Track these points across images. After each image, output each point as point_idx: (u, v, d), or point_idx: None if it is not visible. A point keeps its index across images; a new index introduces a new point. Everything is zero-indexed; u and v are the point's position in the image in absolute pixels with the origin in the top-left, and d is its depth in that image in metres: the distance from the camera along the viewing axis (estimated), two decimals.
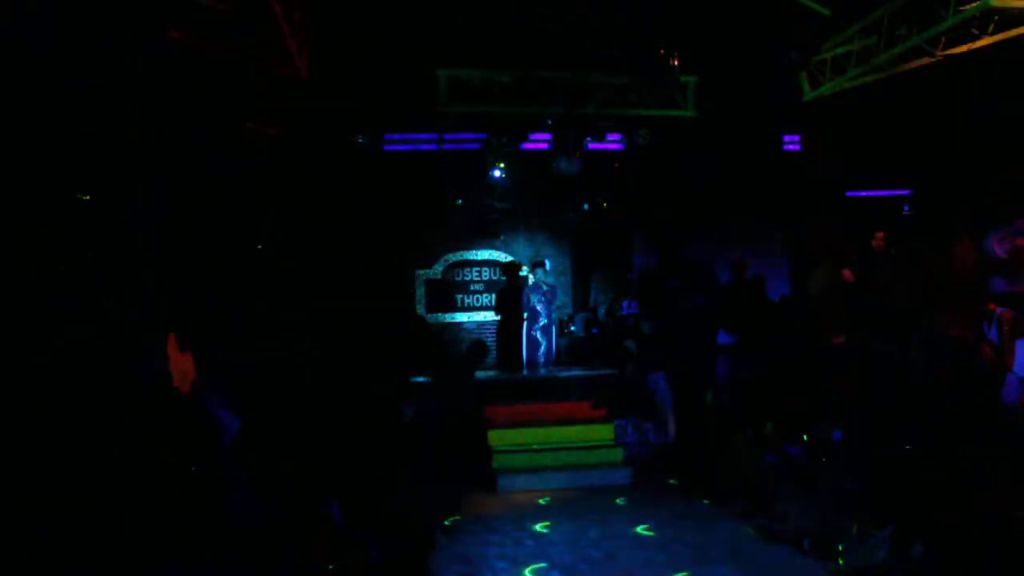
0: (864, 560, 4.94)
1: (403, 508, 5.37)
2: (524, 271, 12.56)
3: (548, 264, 12.10)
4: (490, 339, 12.69)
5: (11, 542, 3.30)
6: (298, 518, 4.06)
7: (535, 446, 8.79)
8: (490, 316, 12.52)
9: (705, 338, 9.63)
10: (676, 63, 8.90)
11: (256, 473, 4.48)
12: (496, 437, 8.78)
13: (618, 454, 8.87)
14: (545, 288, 11.45)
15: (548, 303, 11.35)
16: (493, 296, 12.79)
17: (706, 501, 7.37)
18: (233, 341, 6.81)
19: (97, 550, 3.47)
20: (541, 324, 11.28)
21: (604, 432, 9.10)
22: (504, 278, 12.83)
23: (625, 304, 11.48)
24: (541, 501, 7.70)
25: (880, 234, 8.05)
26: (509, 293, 12.17)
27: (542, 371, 10.86)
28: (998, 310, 5.95)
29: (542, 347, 11.26)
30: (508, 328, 11.96)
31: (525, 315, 11.36)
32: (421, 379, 9.97)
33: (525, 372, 10.99)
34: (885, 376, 6.24)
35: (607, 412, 9.40)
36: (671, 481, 8.27)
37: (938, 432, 5.16)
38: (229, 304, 7.26)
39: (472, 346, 9.59)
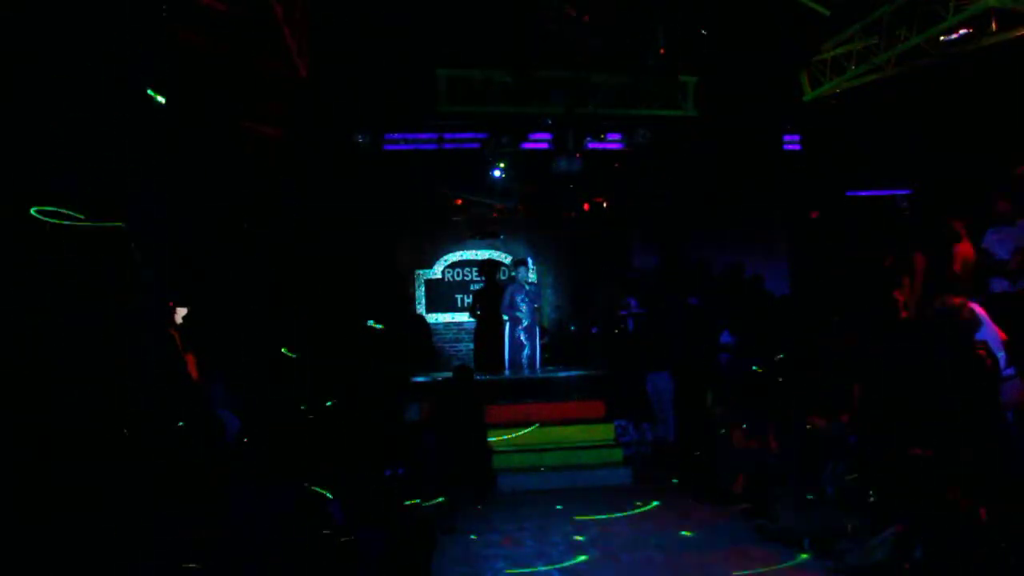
0: (864, 560, 4.94)
1: (403, 508, 5.37)
2: (506, 270, 12.42)
3: (530, 261, 11.76)
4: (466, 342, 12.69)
5: (11, 541, 3.30)
6: (298, 518, 4.06)
7: (535, 446, 8.79)
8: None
9: (705, 338, 9.63)
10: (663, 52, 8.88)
11: (256, 473, 4.48)
12: (496, 437, 8.77)
13: (618, 454, 8.87)
14: (528, 288, 10.89)
15: (531, 303, 10.83)
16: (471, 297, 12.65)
17: (706, 501, 7.37)
18: (234, 341, 6.81)
19: (97, 549, 3.47)
20: (524, 325, 10.74)
21: (604, 432, 9.10)
22: (483, 277, 12.75)
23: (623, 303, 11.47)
24: (541, 501, 7.70)
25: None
26: (489, 293, 11.92)
27: (526, 372, 10.67)
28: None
29: (526, 349, 10.72)
30: (489, 330, 11.62)
31: (505, 317, 10.85)
32: (421, 379, 9.98)
33: (507, 374, 10.70)
34: (888, 375, 6.23)
35: (607, 412, 9.40)
36: (671, 481, 8.27)
37: (940, 431, 5.16)
38: (229, 304, 7.26)
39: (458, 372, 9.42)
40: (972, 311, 5.49)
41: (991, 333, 5.71)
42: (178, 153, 6.10)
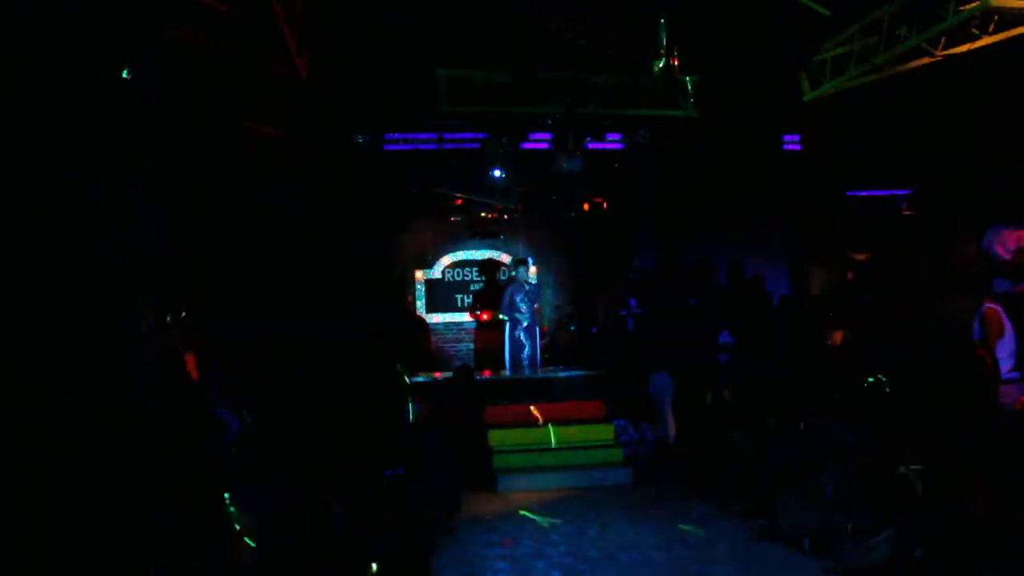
0: (864, 560, 4.94)
1: (403, 508, 5.37)
2: (505, 270, 12.43)
3: (531, 261, 11.79)
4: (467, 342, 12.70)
5: (11, 540, 3.30)
6: (299, 518, 4.06)
7: (535, 446, 8.79)
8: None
9: (705, 338, 9.63)
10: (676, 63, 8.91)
11: (257, 473, 4.49)
12: (496, 437, 8.78)
13: (618, 454, 8.87)
14: (528, 288, 10.89)
15: (531, 303, 10.81)
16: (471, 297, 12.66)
17: (706, 501, 7.37)
18: (233, 342, 6.81)
19: (97, 549, 3.47)
20: (524, 325, 10.73)
21: (604, 432, 9.10)
22: (483, 277, 12.76)
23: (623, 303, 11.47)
24: (541, 501, 7.70)
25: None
26: (489, 293, 11.89)
27: (526, 372, 10.65)
28: (984, 306, 5.86)
29: (526, 348, 10.71)
30: (489, 330, 11.56)
31: (505, 317, 10.84)
32: (421, 379, 9.98)
33: (507, 374, 10.69)
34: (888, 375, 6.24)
35: (607, 412, 9.40)
36: (671, 481, 8.27)
37: (940, 433, 5.16)
38: (229, 305, 7.26)
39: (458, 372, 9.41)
40: (972, 312, 5.49)
41: (1010, 337, 5.71)
42: (178, 153, 6.10)
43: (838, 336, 7.35)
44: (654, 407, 9.57)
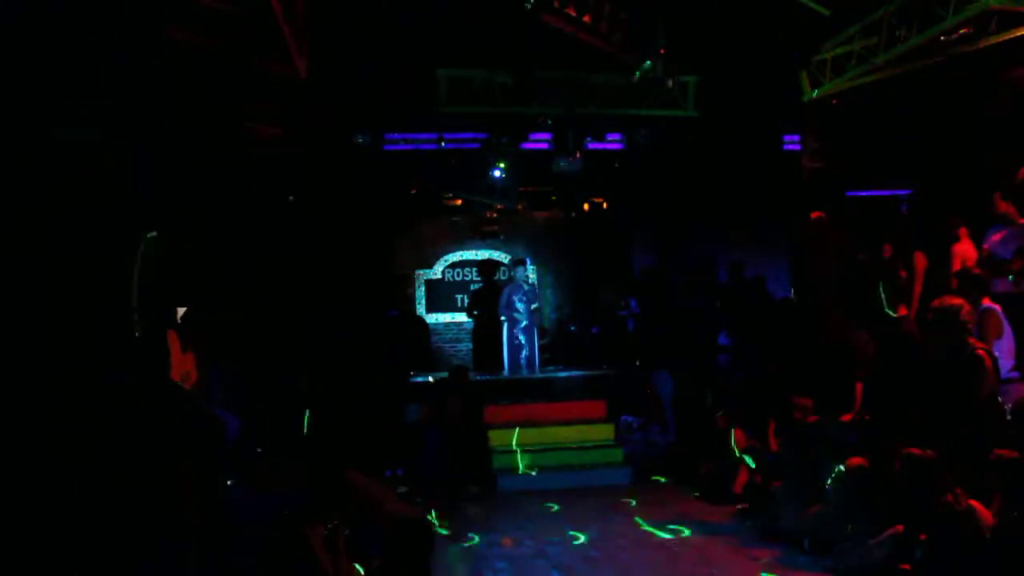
0: (864, 560, 4.94)
1: (403, 507, 5.37)
2: (505, 270, 12.42)
3: (528, 262, 11.78)
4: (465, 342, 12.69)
5: (9, 540, 3.30)
6: (298, 518, 4.06)
7: (535, 446, 8.79)
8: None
9: (705, 338, 9.63)
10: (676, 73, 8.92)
11: (257, 473, 4.49)
12: (496, 437, 8.78)
13: (618, 454, 8.87)
14: (526, 288, 10.89)
15: (528, 303, 10.79)
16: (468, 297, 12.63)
17: (706, 501, 7.37)
18: (234, 342, 6.81)
19: (95, 550, 3.47)
20: (523, 325, 10.70)
21: (604, 432, 9.11)
22: (481, 278, 12.74)
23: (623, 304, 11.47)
24: (541, 501, 7.70)
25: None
26: (488, 294, 11.87)
27: (524, 372, 10.67)
28: (984, 306, 5.85)
29: (524, 349, 10.68)
30: (487, 330, 11.55)
31: (503, 318, 10.81)
32: (420, 379, 9.99)
33: (506, 374, 10.71)
34: (888, 375, 6.23)
35: (607, 412, 9.40)
36: (671, 481, 8.28)
37: (939, 432, 5.16)
38: (230, 305, 7.26)
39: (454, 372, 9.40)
40: (972, 311, 5.48)
41: (1009, 337, 5.70)
42: (178, 153, 6.10)
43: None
44: (656, 407, 9.57)
